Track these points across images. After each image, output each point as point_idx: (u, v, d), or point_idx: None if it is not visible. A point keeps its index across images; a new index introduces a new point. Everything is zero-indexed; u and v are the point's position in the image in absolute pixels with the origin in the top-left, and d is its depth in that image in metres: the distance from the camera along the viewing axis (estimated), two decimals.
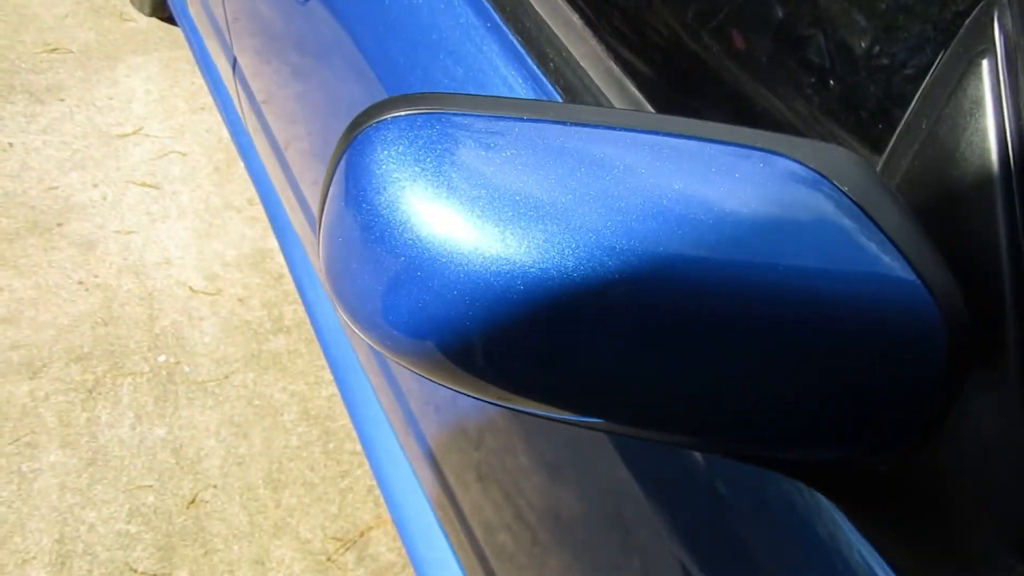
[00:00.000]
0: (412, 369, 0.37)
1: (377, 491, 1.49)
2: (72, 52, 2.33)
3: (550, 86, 0.59)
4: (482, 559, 0.86)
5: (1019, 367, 0.36)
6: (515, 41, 0.62)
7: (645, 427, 0.37)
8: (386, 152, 0.31)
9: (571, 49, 0.59)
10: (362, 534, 1.44)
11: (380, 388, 1.12)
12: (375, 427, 1.18)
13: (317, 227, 0.38)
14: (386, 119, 0.31)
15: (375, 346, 0.37)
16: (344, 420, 1.58)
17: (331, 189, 0.35)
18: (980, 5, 0.38)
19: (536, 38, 0.61)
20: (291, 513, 1.45)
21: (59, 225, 1.86)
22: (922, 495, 0.38)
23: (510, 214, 0.30)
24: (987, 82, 0.36)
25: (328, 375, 1.65)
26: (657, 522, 0.53)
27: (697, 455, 0.49)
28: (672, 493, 0.52)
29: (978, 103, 0.37)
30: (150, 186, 1.99)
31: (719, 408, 0.36)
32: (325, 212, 0.36)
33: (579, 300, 0.30)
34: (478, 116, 0.32)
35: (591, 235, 0.30)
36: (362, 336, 0.37)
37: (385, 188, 0.31)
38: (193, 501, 1.44)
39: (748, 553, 0.47)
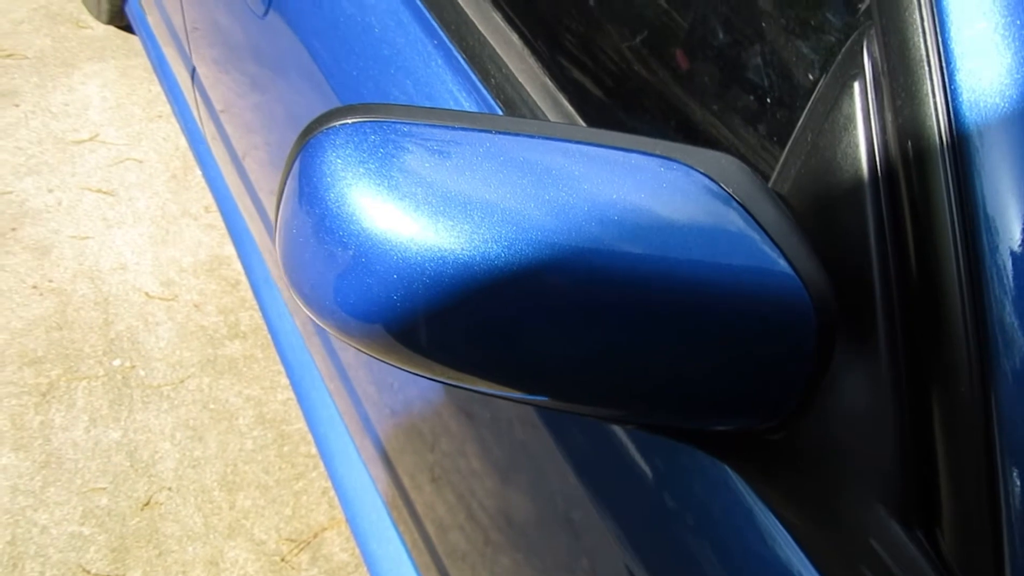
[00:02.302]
0: (367, 352, 0.41)
1: (331, 493, 1.52)
2: (28, 58, 2.32)
3: (491, 100, 0.64)
4: (435, 557, 0.90)
5: (885, 346, 0.41)
6: (460, 58, 0.67)
7: (566, 401, 0.42)
8: (335, 154, 0.35)
9: (511, 66, 0.64)
10: (316, 535, 1.47)
11: (336, 392, 1.16)
12: (330, 428, 1.21)
13: (274, 225, 0.43)
14: (335, 126, 0.36)
15: (331, 331, 0.41)
16: (299, 424, 1.61)
17: (286, 188, 0.39)
18: (853, 35, 0.44)
19: (479, 55, 0.66)
20: (246, 515, 1.47)
21: (13, 230, 1.86)
22: (807, 460, 0.44)
23: (442, 208, 0.35)
24: (858, 101, 0.42)
25: (283, 380, 1.68)
26: (605, 525, 0.57)
27: (645, 464, 0.53)
28: (620, 498, 0.56)
29: (851, 119, 0.42)
30: (106, 192, 2.00)
31: (635, 384, 0.41)
32: (281, 209, 0.41)
33: (500, 285, 0.35)
34: (416, 124, 0.36)
35: (510, 228, 0.35)
36: (319, 322, 0.42)
37: (334, 186, 0.35)
38: (147, 503, 1.45)
39: (692, 555, 0.51)
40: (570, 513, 0.61)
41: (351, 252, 0.36)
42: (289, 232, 0.39)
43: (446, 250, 0.35)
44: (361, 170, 0.35)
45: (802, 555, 0.45)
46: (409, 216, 0.35)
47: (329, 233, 0.36)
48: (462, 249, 0.34)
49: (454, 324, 0.37)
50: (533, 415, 0.64)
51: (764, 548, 0.47)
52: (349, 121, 0.36)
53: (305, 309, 0.42)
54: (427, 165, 0.35)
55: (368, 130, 0.36)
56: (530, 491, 0.67)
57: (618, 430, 0.55)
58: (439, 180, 0.35)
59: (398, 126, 0.36)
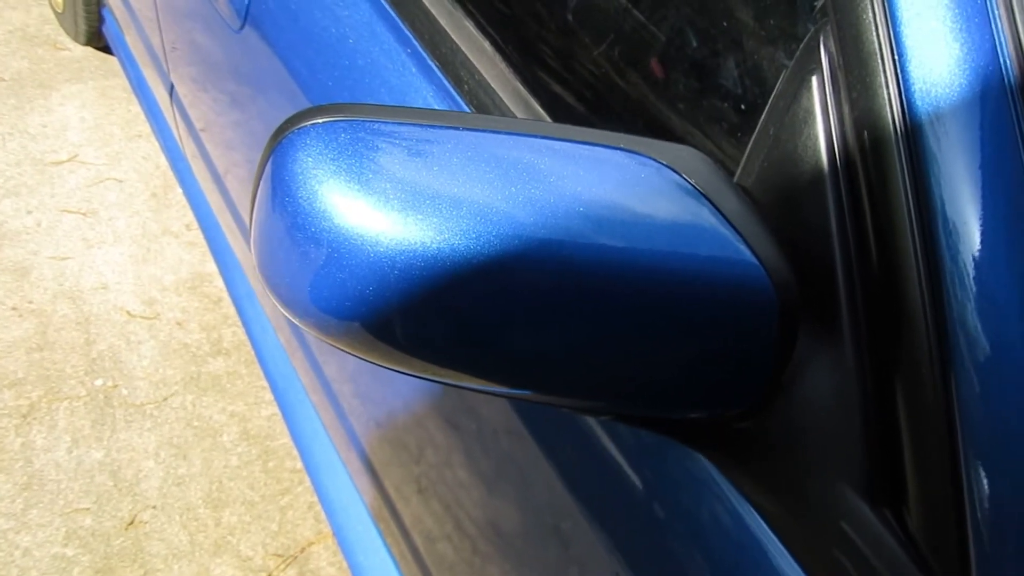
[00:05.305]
0: (347, 350, 0.42)
1: (317, 508, 1.52)
2: (4, 80, 2.32)
3: (465, 105, 0.65)
4: (423, 568, 0.89)
5: (849, 332, 0.42)
6: (433, 65, 0.68)
7: (538, 392, 0.43)
8: (305, 153, 0.36)
9: (483, 72, 0.65)
10: (303, 550, 1.46)
11: (321, 405, 1.16)
12: (315, 442, 1.21)
13: (248, 228, 0.43)
14: (306, 125, 0.37)
15: (309, 331, 0.42)
16: (284, 439, 1.61)
17: (259, 189, 0.40)
18: (811, 31, 0.45)
19: (452, 62, 0.67)
20: (231, 531, 1.46)
21: None
22: (776, 446, 0.45)
23: (411, 203, 0.35)
24: (816, 95, 0.44)
25: (267, 395, 1.67)
26: (592, 531, 0.57)
27: (631, 471, 0.54)
28: (606, 504, 0.56)
29: (810, 112, 0.44)
30: (85, 213, 1.99)
31: (603, 374, 0.42)
32: (255, 211, 0.41)
33: (468, 278, 0.36)
34: (385, 122, 0.37)
35: (478, 221, 0.36)
36: (296, 322, 0.42)
37: (305, 184, 0.36)
38: (132, 522, 1.44)
39: (680, 564, 0.51)
40: (557, 521, 0.62)
41: (324, 249, 0.37)
42: (264, 234, 0.40)
43: (416, 244, 0.35)
44: (332, 168, 0.36)
45: (776, 540, 0.46)
46: (379, 211, 0.36)
47: (302, 231, 0.37)
48: (431, 243, 0.35)
49: (427, 318, 0.38)
50: (519, 425, 0.64)
51: (740, 536, 0.48)
52: (320, 120, 0.37)
53: (282, 310, 0.42)
54: (397, 161, 0.36)
55: (338, 129, 0.37)
56: (516, 500, 0.67)
57: (603, 437, 0.56)
58: (408, 176, 0.36)
59: (368, 124, 0.37)
